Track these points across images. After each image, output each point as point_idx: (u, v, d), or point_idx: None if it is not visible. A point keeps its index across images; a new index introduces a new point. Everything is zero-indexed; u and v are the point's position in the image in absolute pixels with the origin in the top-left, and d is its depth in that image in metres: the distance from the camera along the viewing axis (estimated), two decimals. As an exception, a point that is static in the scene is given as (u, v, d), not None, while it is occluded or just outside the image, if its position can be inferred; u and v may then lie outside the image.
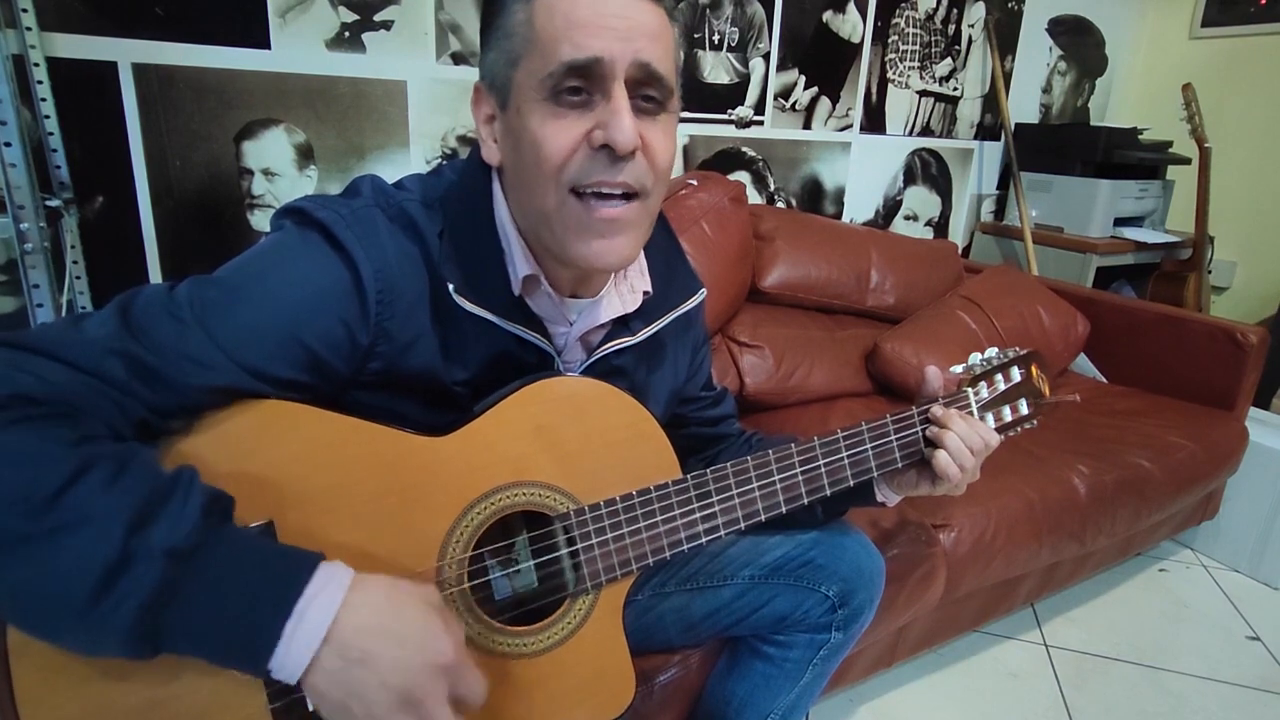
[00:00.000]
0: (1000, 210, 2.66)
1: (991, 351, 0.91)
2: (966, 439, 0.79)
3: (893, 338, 1.80)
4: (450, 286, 0.64)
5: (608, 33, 0.58)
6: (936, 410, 0.81)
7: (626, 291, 0.75)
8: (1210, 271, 2.46)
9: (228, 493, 0.54)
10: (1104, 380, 2.08)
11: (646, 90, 0.61)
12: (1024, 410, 0.89)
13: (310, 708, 0.58)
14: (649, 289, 0.76)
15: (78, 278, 1.31)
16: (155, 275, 1.42)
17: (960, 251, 2.43)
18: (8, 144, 0.97)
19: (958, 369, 0.88)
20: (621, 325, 0.76)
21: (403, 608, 0.54)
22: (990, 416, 0.87)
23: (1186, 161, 2.36)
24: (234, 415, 0.58)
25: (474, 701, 0.56)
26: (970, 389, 0.86)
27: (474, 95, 0.67)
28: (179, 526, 0.49)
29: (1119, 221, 2.39)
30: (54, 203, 1.21)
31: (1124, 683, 1.51)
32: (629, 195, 0.63)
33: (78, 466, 0.48)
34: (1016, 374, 0.89)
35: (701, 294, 0.83)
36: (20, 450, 0.48)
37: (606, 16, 0.58)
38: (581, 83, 0.59)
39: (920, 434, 0.82)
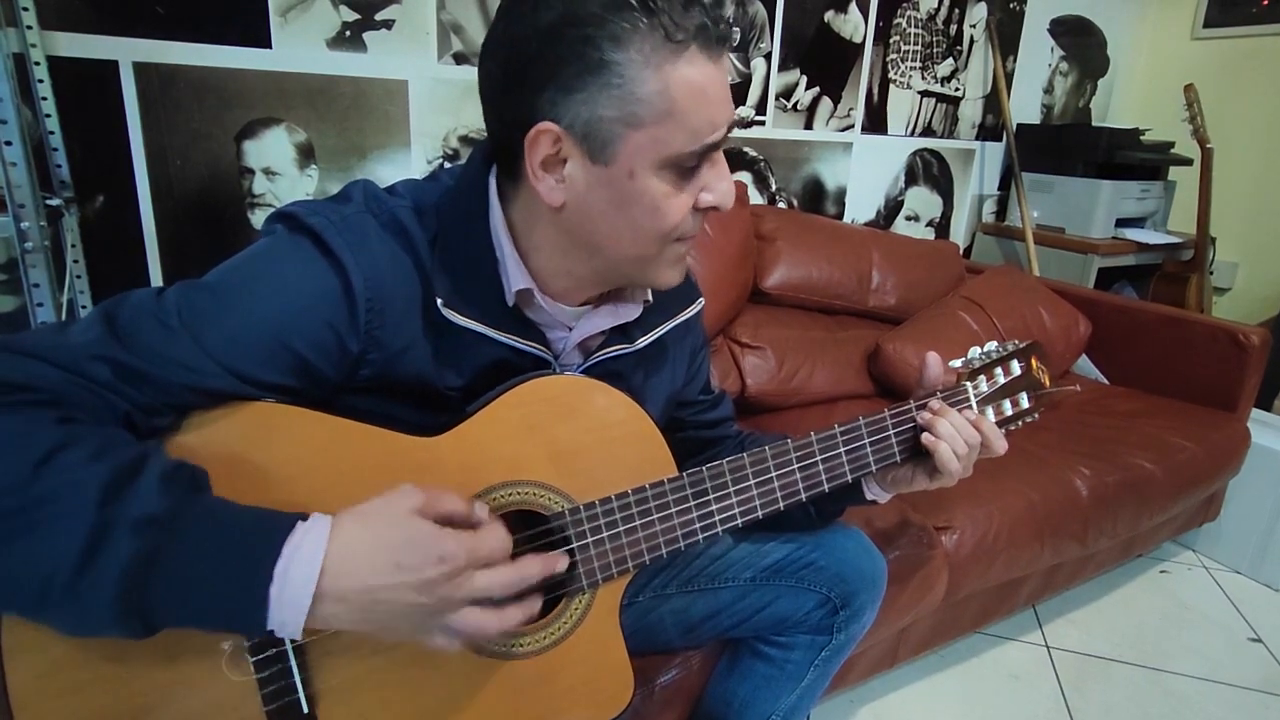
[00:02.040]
0: (1002, 211, 2.65)
1: (991, 345, 0.90)
2: (962, 430, 0.79)
3: (894, 338, 1.79)
4: (439, 300, 0.64)
5: (725, 106, 0.62)
6: (934, 404, 0.81)
7: (628, 300, 0.75)
8: (1212, 272, 2.45)
9: (200, 466, 0.54)
10: (1105, 381, 2.07)
11: None
12: (1025, 404, 0.89)
13: (305, 710, 0.58)
14: (649, 298, 0.76)
15: (78, 276, 1.31)
16: (155, 274, 1.42)
17: (961, 252, 2.43)
18: (8, 143, 0.97)
19: (957, 363, 0.88)
20: (619, 332, 0.75)
21: (387, 533, 0.54)
22: (990, 410, 0.86)
23: (1188, 162, 2.36)
24: (225, 417, 0.58)
25: (502, 556, 0.57)
26: (969, 383, 0.85)
27: (536, 136, 0.59)
28: (145, 497, 0.49)
29: (1120, 222, 2.39)
30: (54, 201, 1.21)
31: (1125, 684, 1.51)
32: None
33: (56, 444, 0.48)
34: (1016, 367, 0.88)
35: (700, 303, 0.84)
36: (2, 431, 0.48)
37: (723, 90, 0.62)
38: (701, 156, 0.62)
39: (916, 427, 0.81)
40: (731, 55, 1.96)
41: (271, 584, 0.49)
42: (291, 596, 0.50)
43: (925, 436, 0.79)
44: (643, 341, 0.76)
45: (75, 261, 1.30)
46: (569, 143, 0.60)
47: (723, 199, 0.65)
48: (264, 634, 0.50)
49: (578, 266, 0.68)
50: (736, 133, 2.03)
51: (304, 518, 0.53)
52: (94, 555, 0.47)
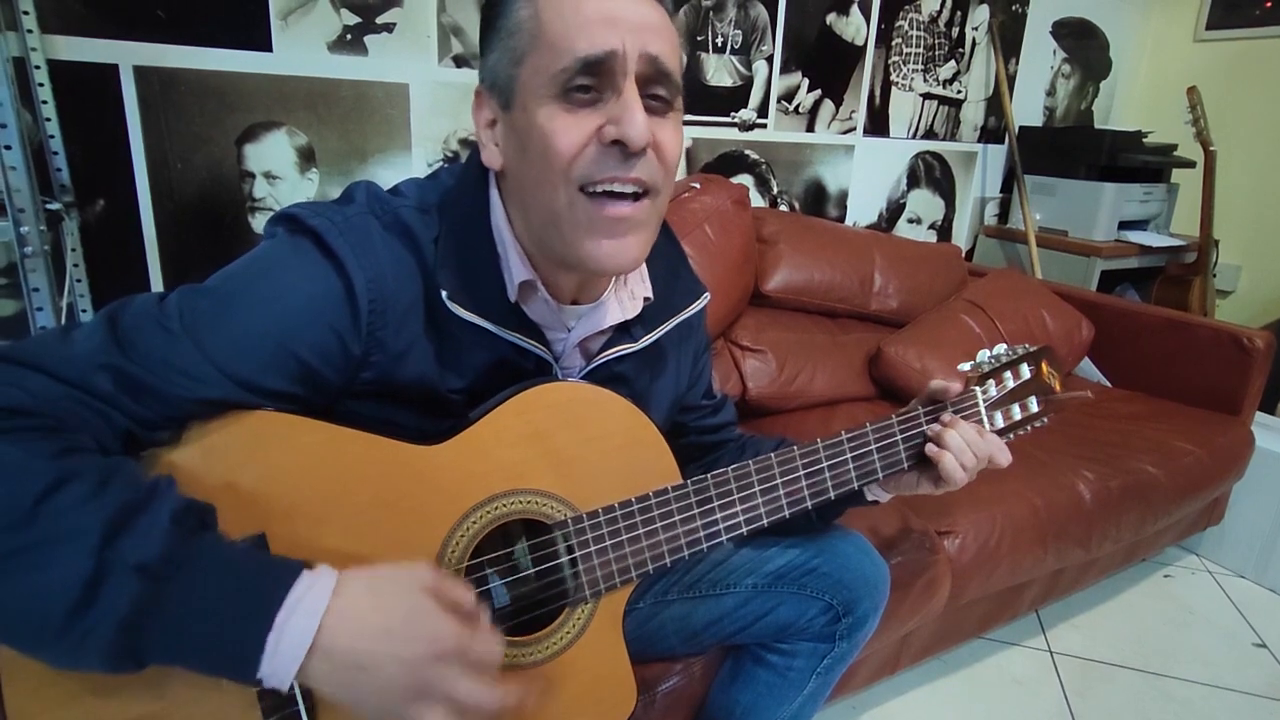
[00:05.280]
0: (1004, 213, 2.65)
1: (1000, 348, 0.89)
2: (972, 444, 0.78)
3: (896, 341, 1.79)
4: (444, 294, 0.63)
5: (619, 26, 0.58)
6: (945, 417, 0.80)
7: (627, 298, 0.74)
8: (1215, 275, 2.44)
9: (209, 502, 0.53)
10: (1108, 384, 2.07)
11: (655, 88, 0.61)
12: (1034, 408, 0.88)
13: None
14: (650, 295, 0.75)
15: (78, 281, 1.31)
16: (156, 278, 1.41)
17: (964, 255, 2.42)
18: (8, 147, 0.96)
19: (965, 366, 0.87)
20: (622, 331, 0.75)
21: (390, 601, 0.53)
22: (999, 415, 0.85)
23: (1191, 165, 2.35)
24: (225, 427, 0.57)
25: (491, 665, 0.55)
26: (978, 387, 0.84)
27: (475, 100, 0.66)
28: (150, 539, 0.48)
29: (1123, 225, 2.39)
30: (54, 206, 1.21)
31: (1129, 689, 1.50)
32: (639, 194, 0.62)
33: (57, 479, 0.47)
34: (1026, 371, 0.88)
35: (704, 299, 0.82)
36: (1, 464, 0.47)
37: (616, 11, 0.58)
38: (592, 80, 0.59)
39: (925, 435, 0.80)
40: (734, 58, 1.95)
41: (270, 633, 0.48)
42: (287, 647, 0.49)
43: (930, 448, 0.79)
44: (646, 340, 0.75)
45: (75, 266, 1.30)
46: (489, 98, 0.64)
47: (629, 131, 0.58)
48: (252, 682, 0.49)
49: (533, 246, 0.67)
50: (738, 135, 2.03)
51: (309, 566, 0.52)
52: (93, 598, 0.46)
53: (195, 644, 0.48)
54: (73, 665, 0.48)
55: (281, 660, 0.48)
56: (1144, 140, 2.36)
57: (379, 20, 1.50)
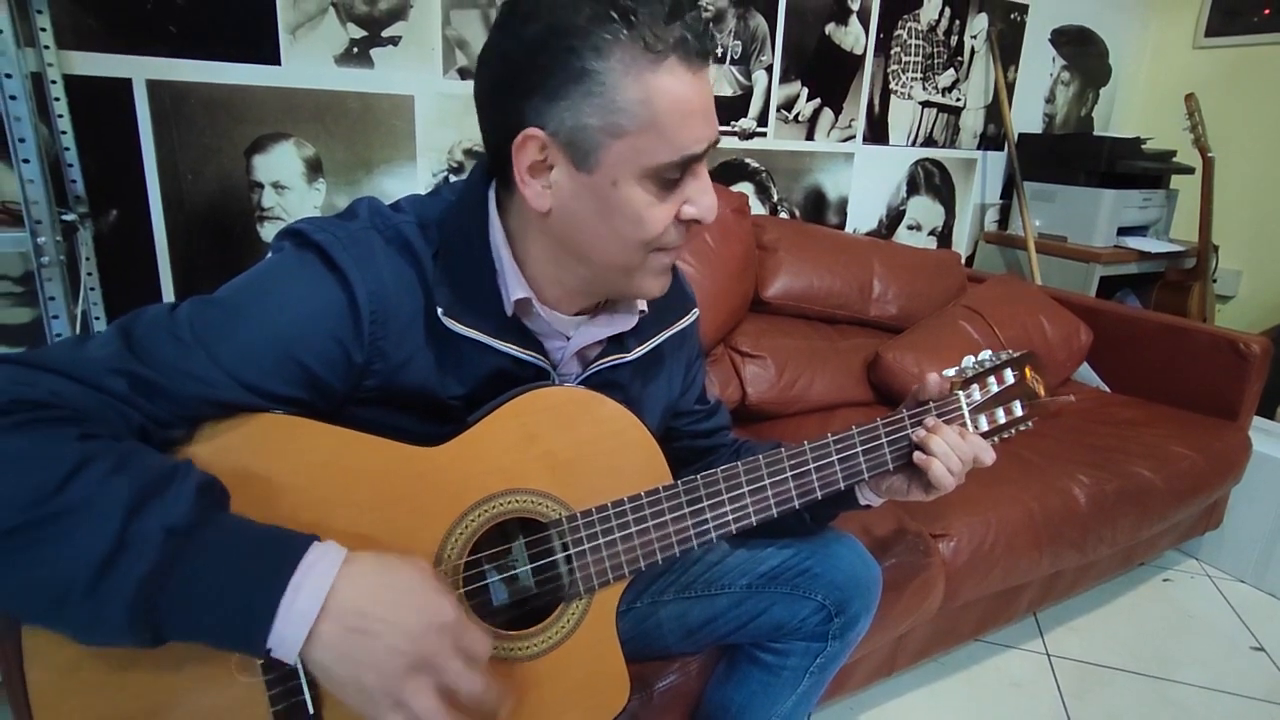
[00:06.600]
0: (1004, 220, 2.66)
1: (985, 354, 0.91)
2: (956, 449, 0.80)
3: (894, 347, 1.81)
4: (439, 310, 0.66)
5: (710, 119, 0.64)
6: (929, 421, 0.82)
7: (623, 310, 0.77)
8: (1215, 280, 2.45)
9: (225, 486, 0.57)
10: (1107, 390, 2.08)
11: None
12: (1018, 412, 0.90)
13: (311, 711, 0.59)
14: (644, 308, 0.78)
15: (91, 289, 1.34)
16: (167, 286, 1.45)
17: (963, 261, 2.43)
18: (26, 160, 1.00)
19: (950, 372, 0.89)
20: (617, 342, 0.77)
21: (396, 575, 0.56)
22: (983, 419, 0.87)
23: (1190, 171, 2.36)
24: (233, 428, 0.60)
25: (480, 656, 0.57)
26: (962, 392, 0.86)
27: (522, 141, 0.62)
28: (176, 507, 0.51)
29: (1122, 231, 2.40)
30: (69, 217, 1.24)
31: (1127, 693, 1.51)
32: None
33: (80, 460, 0.50)
34: (1010, 376, 0.89)
35: (694, 314, 0.86)
36: (24, 453, 0.50)
37: (708, 103, 0.63)
38: (683, 169, 0.64)
39: (910, 439, 0.82)
40: (733, 68, 1.98)
41: (284, 594, 0.51)
42: (299, 611, 0.51)
43: (918, 456, 0.81)
44: (639, 351, 0.78)
45: (89, 274, 1.33)
46: (554, 149, 0.62)
47: (705, 212, 0.66)
48: (262, 651, 0.51)
49: (567, 275, 0.70)
50: (738, 144, 2.05)
51: (319, 539, 0.55)
52: (116, 561, 0.48)
53: (211, 610, 0.51)
54: (93, 634, 0.51)
55: (293, 623, 0.51)
56: (1143, 147, 2.37)
57: (385, 34, 1.54)
